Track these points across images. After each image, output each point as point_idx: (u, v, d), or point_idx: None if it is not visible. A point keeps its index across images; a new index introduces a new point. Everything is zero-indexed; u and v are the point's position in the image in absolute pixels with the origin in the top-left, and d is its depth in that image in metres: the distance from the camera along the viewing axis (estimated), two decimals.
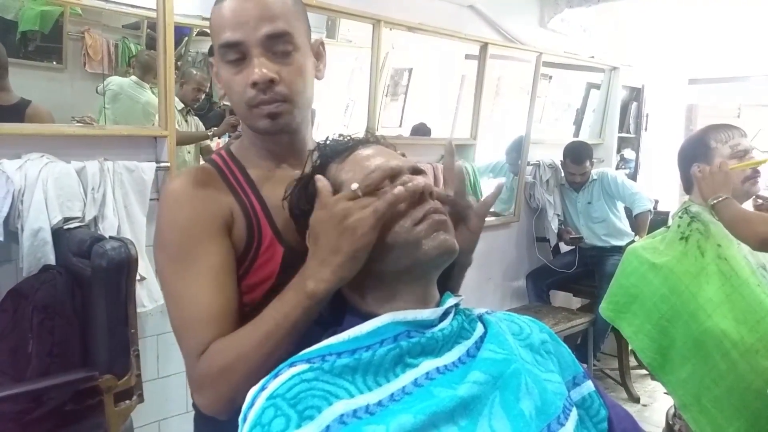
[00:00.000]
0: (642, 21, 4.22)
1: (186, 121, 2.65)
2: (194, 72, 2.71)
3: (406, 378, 0.72)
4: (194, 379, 0.83)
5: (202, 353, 0.82)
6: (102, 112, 2.29)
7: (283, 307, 0.79)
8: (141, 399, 1.75)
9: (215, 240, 0.87)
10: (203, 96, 2.72)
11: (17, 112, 1.98)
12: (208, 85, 2.75)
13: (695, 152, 1.85)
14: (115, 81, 2.37)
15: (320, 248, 0.77)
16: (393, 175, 0.81)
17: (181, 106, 2.60)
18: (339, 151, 0.87)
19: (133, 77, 2.39)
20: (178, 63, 2.48)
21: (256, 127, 0.91)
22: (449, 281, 0.89)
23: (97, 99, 2.31)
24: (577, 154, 3.56)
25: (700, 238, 1.78)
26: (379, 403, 0.68)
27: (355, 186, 0.77)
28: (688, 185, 1.92)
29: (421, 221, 0.77)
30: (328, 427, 0.64)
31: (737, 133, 1.80)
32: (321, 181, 0.80)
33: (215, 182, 0.92)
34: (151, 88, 2.34)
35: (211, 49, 1.00)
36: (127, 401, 1.69)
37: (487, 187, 3.70)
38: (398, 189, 0.75)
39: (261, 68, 0.86)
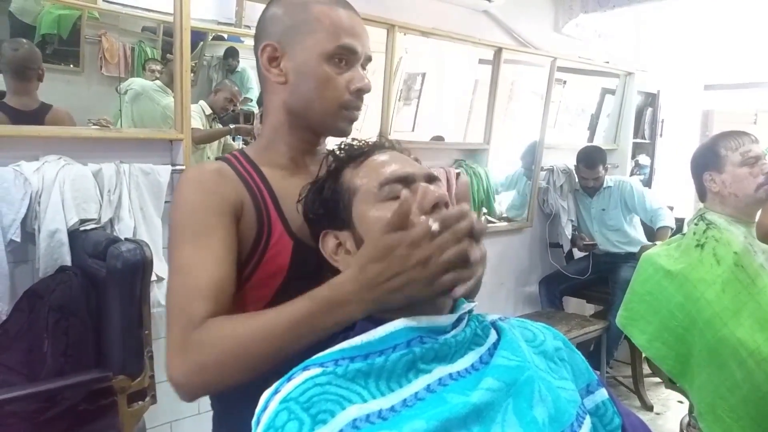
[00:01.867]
0: (657, 26, 4.20)
1: (210, 127, 2.67)
2: (228, 83, 2.75)
3: (418, 384, 0.71)
4: (181, 353, 0.80)
5: (197, 325, 0.81)
6: (118, 115, 2.31)
7: (311, 320, 0.77)
8: (154, 400, 1.76)
9: (223, 223, 0.89)
10: (233, 108, 2.75)
11: (38, 117, 2.01)
12: (240, 98, 2.79)
13: (706, 161, 1.84)
14: (137, 82, 2.38)
15: (377, 272, 0.74)
16: (408, 182, 0.81)
17: (209, 111, 2.62)
18: (354, 156, 0.87)
19: (158, 82, 2.41)
20: (194, 67, 2.50)
21: (335, 126, 0.98)
22: None
23: (114, 102, 2.34)
24: (590, 159, 3.54)
25: (716, 245, 1.76)
26: (392, 409, 0.68)
27: (435, 227, 0.72)
28: (701, 193, 1.91)
29: None
30: (341, 431, 0.64)
31: (748, 139, 1.79)
32: (406, 203, 0.74)
33: (227, 173, 0.95)
34: (138, 75, 2.38)
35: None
36: (141, 402, 1.70)
37: (500, 196, 3.69)
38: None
39: (367, 79, 0.96)
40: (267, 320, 0.79)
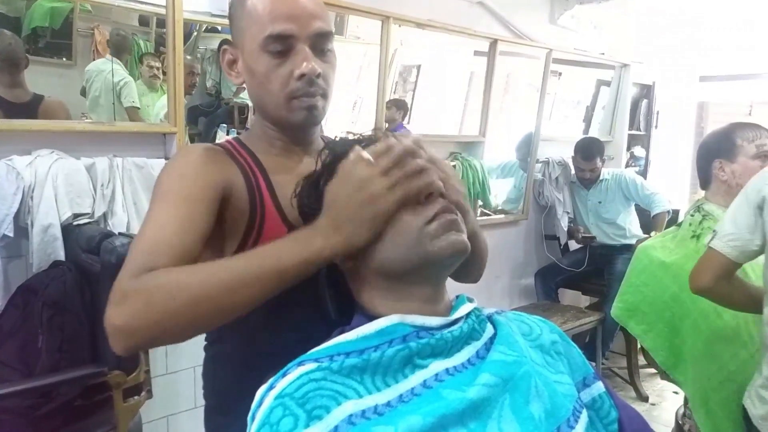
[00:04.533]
0: (653, 17, 4.20)
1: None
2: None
3: (415, 379, 0.71)
4: (124, 286, 0.71)
5: (150, 270, 0.72)
6: (112, 108, 2.29)
7: (278, 252, 0.73)
8: (150, 395, 1.76)
9: (207, 199, 0.85)
10: (197, 79, 2.67)
11: (31, 109, 2.00)
12: (199, 66, 2.70)
13: (719, 147, 1.81)
14: (91, 65, 2.32)
15: (335, 213, 0.75)
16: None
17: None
18: (349, 149, 0.86)
19: (108, 56, 2.34)
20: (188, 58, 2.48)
21: (291, 118, 0.94)
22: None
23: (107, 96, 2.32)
24: (587, 150, 3.54)
25: None
26: (388, 404, 0.68)
27: (366, 156, 0.75)
28: (705, 181, 1.88)
29: (433, 220, 0.76)
30: (336, 427, 0.63)
31: (764, 133, 1.77)
32: (356, 152, 0.76)
33: (222, 156, 0.94)
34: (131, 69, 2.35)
35: (224, 40, 1.01)
36: (136, 397, 1.70)
37: (496, 186, 3.69)
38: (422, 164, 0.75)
39: (311, 62, 0.89)
40: (230, 259, 0.76)
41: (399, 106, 3.36)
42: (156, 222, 0.80)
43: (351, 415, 0.65)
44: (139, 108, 2.32)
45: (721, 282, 1.40)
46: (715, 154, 1.82)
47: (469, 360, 0.75)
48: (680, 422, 1.94)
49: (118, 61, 2.30)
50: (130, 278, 0.71)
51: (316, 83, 0.91)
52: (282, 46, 0.89)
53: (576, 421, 0.74)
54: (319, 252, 0.73)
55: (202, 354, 1.07)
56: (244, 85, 0.98)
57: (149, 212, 0.83)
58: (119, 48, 2.33)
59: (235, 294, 0.70)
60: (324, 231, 0.74)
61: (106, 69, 2.28)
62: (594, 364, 3.26)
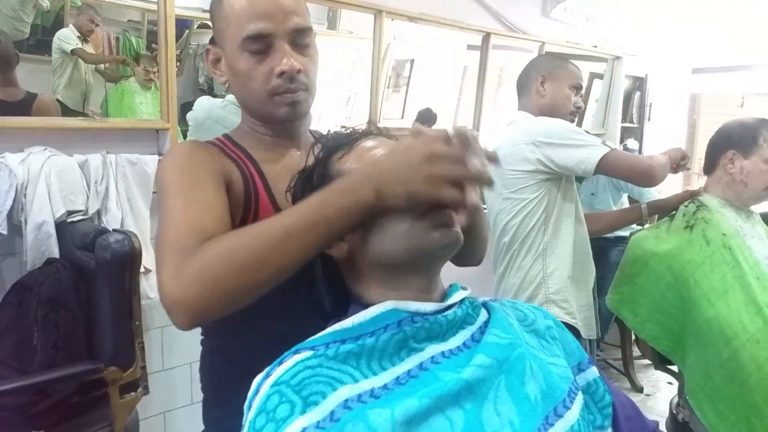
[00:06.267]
0: (645, 10, 4.20)
1: None
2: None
3: (411, 362, 0.72)
4: (176, 273, 0.70)
5: (201, 244, 0.72)
6: (105, 105, 2.28)
7: (321, 201, 0.72)
8: (146, 391, 1.76)
9: (215, 182, 0.86)
10: None
11: (24, 107, 1.99)
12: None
13: (739, 140, 1.80)
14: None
15: (390, 167, 0.72)
16: None
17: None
18: (342, 143, 0.87)
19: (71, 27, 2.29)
20: (180, 55, 2.47)
21: (275, 114, 0.95)
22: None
23: (100, 92, 2.31)
24: None
25: (705, 226, 1.78)
26: (384, 387, 0.68)
27: (451, 132, 0.73)
28: (711, 166, 1.87)
29: (427, 212, 0.76)
30: (332, 412, 0.64)
31: None
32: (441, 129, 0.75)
33: (214, 150, 0.96)
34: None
35: (211, 38, 1.03)
36: (133, 393, 1.69)
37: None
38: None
39: (290, 59, 0.90)
40: (275, 217, 0.75)
41: (426, 118, 3.36)
42: (177, 212, 0.80)
43: (347, 400, 0.65)
44: (81, 48, 2.26)
45: None
46: (732, 144, 1.80)
47: (464, 343, 0.76)
48: (674, 412, 1.94)
49: (76, 32, 2.25)
50: (178, 260, 0.71)
51: (297, 79, 0.92)
52: (261, 44, 0.91)
53: (572, 402, 0.75)
54: (359, 200, 0.72)
55: (198, 350, 1.07)
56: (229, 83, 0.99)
57: (164, 210, 0.82)
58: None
59: (287, 247, 0.71)
60: (366, 178, 0.72)
61: (61, 35, 2.25)
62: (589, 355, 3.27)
